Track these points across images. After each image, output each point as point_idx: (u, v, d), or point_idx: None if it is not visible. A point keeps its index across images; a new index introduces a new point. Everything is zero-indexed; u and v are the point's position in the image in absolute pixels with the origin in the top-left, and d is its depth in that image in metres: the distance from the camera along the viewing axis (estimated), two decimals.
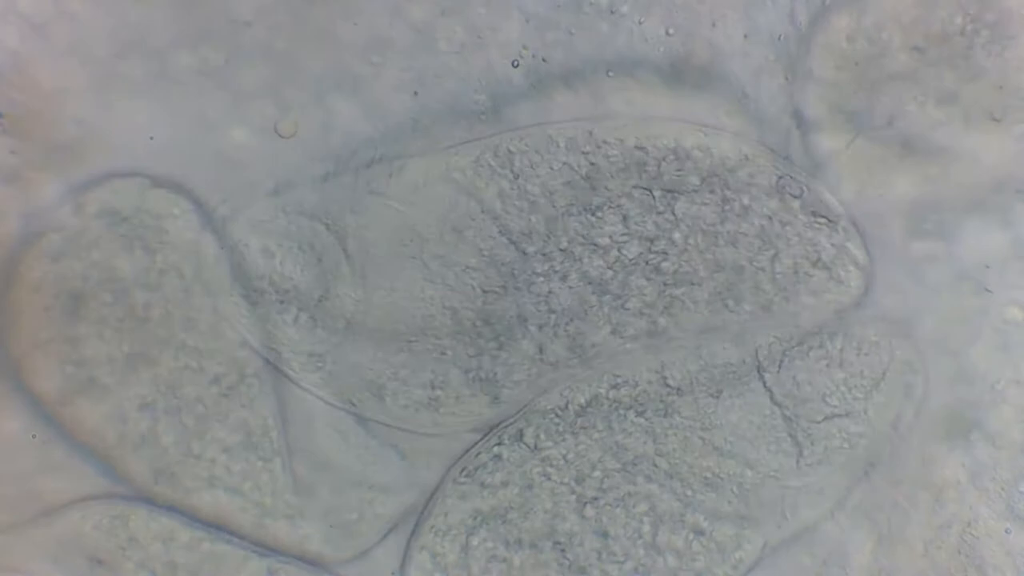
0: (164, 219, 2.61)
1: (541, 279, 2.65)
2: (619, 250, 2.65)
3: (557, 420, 2.71)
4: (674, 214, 2.66)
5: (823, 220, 2.69)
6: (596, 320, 2.67)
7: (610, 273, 2.66)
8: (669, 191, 2.66)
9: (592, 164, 2.65)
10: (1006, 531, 2.78)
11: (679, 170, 2.65)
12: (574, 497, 2.70)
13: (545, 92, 2.67)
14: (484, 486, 2.70)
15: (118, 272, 2.61)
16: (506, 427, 2.70)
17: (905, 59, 2.69)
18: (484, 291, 2.64)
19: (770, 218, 2.68)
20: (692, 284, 2.67)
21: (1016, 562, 2.77)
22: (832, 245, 2.70)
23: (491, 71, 2.66)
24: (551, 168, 2.64)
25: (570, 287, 2.65)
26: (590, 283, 2.66)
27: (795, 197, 2.68)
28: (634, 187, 2.65)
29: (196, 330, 2.63)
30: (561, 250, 2.65)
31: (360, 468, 2.70)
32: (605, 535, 2.70)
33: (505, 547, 2.70)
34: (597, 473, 2.70)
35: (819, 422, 2.72)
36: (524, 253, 2.64)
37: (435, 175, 2.64)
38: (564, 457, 2.70)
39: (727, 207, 2.67)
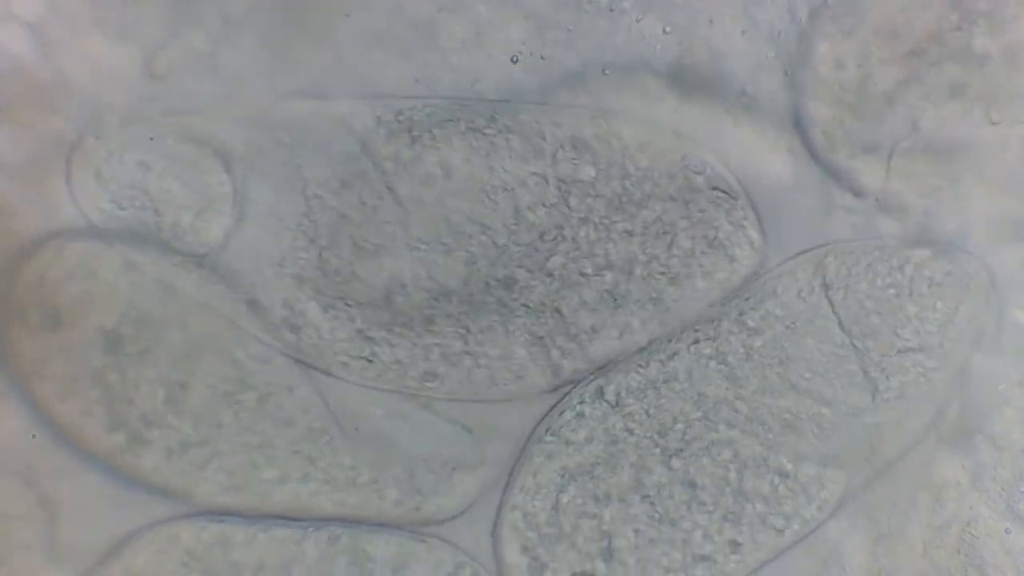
0: (86, 276, 2.58)
1: (424, 247, 2.62)
2: (508, 237, 2.63)
3: (638, 376, 2.70)
4: (568, 206, 2.64)
5: (723, 195, 2.68)
6: (485, 307, 2.65)
7: (499, 256, 2.64)
8: (563, 181, 2.64)
9: (492, 144, 2.62)
10: (1006, 531, 2.77)
11: (575, 160, 2.64)
12: (658, 450, 2.69)
13: (543, 89, 2.67)
14: (569, 443, 2.69)
15: (81, 343, 2.58)
16: (586, 384, 2.70)
17: (905, 66, 2.66)
18: (356, 244, 2.61)
19: (673, 199, 2.66)
20: (581, 276, 2.66)
21: (1016, 562, 2.77)
22: (729, 223, 2.68)
23: (490, 68, 2.65)
24: (451, 144, 2.62)
25: (456, 262, 2.62)
26: (474, 263, 2.63)
27: (698, 173, 2.66)
28: (531, 174, 2.63)
29: (187, 363, 2.61)
30: (449, 223, 2.62)
31: (428, 446, 2.69)
32: (693, 485, 2.70)
33: (595, 503, 2.69)
34: (679, 425, 2.70)
35: (892, 356, 2.71)
36: (409, 213, 2.61)
37: (333, 123, 2.61)
38: (646, 412, 2.70)
39: (625, 197, 2.65)
